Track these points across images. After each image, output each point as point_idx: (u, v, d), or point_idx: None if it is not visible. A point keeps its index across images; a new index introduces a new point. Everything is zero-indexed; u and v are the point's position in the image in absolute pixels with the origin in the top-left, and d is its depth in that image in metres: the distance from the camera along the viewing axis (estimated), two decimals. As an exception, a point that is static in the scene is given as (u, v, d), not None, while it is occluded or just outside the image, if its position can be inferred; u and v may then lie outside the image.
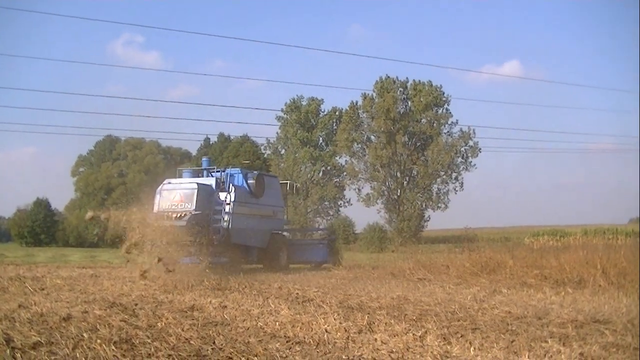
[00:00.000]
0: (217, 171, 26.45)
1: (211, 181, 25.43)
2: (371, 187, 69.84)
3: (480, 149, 68.77)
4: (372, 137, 69.77)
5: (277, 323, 10.83)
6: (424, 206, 68.86)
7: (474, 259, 22.35)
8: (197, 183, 24.68)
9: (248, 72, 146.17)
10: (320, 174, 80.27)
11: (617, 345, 8.77)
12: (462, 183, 68.46)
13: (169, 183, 25.69)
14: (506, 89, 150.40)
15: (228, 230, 23.97)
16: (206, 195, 24.16)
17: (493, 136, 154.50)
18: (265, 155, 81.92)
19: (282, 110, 79.68)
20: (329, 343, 9.08)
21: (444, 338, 9.20)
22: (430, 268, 22.52)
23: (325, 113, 79.92)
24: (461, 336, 9.41)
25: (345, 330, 9.88)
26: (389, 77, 69.17)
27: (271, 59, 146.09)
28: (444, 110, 69.35)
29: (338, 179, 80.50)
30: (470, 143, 68.45)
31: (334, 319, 10.80)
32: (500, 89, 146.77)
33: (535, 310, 12.45)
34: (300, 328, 10.22)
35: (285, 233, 29.37)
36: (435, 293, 16.18)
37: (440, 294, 16.03)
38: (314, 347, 8.93)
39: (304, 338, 9.49)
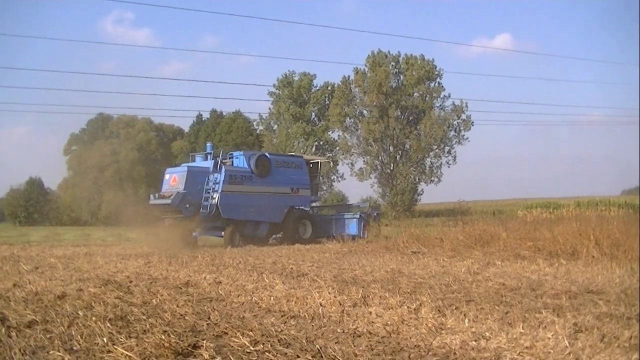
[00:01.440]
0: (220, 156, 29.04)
1: (209, 164, 28.49)
2: (364, 161, 69.80)
3: (472, 122, 68.78)
4: (365, 111, 69.66)
5: (272, 298, 10.85)
6: (417, 180, 68.80)
7: (468, 231, 22.44)
8: (188, 167, 29.16)
9: (240, 48, 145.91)
10: (313, 149, 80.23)
11: (610, 315, 8.80)
12: (455, 157, 68.46)
13: (173, 167, 30.87)
14: (498, 62, 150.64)
15: (217, 206, 27.23)
16: (198, 177, 27.63)
17: (485, 109, 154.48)
18: (258, 131, 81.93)
19: (274, 86, 79.53)
20: (323, 317, 9.11)
21: (439, 310, 9.22)
22: (424, 241, 22.62)
23: (317, 88, 79.78)
24: (455, 308, 9.44)
25: (340, 304, 9.90)
26: (381, 51, 69.08)
27: (263, 34, 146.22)
28: (436, 84, 69.22)
29: (331, 154, 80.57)
30: (463, 117, 68.41)
31: (329, 293, 10.82)
32: (492, 62, 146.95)
33: (529, 281, 12.51)
34: (295, 302, 10.25)
35: (304, 207, 31.43)
36: (429, 266, 16.24)
37: (434, 266, 16.10)
38: (309, 320, 8.95)
39: (299, 312, 9.52)
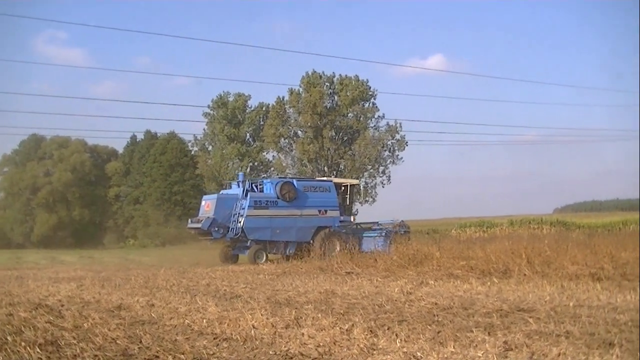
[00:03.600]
0: (250, 183, 32.83)
1: (239, 191, 32.08)
2: (299, 182, 69.62)
3: (407, 142, 69.07)
4: (299, 132, 69.63)
5: (205, 320, 10.83)
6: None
7: (402, 251, 22.60)
8: (218, 194, 34.06)
9: (174, 68, 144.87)
10: (248, 169, 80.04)
11: (540, 333, 8.95)
12: (389, 176, 68.61)
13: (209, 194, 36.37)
14: (431, 83, 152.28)
15: (242, 229, 30.42)
16: (228, 203, 31.39)
17: (419, 129, 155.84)
18: (193, 152, 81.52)
19: (208, 107, 79.17)
20: (256, 339, 9.11)
21: (371, 331, 9.28)
22: (358, 261, 22.73)
23: (252, 109, 79.69)
24: (388, 328, 9.51)
25: (273, 326, 9.91)
26: (315, 72, 69.13)
27: (197, 55, 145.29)
28: (371, 105, 69.45)
29: (266, 175, 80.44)
30: (397, 137, 68.68)
31: (262, 315, 10.82)
32: (426, 82, 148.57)
33: (461, 300, 12.64)
34: (228, 324, 10.23)
35: (332, 227, 33.01)
36: (363, 286, 16.31)
37: (367, 287, 16.18)
38: (241, 343, 8.95)
39: (232, 334, 9.51)
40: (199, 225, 31.09)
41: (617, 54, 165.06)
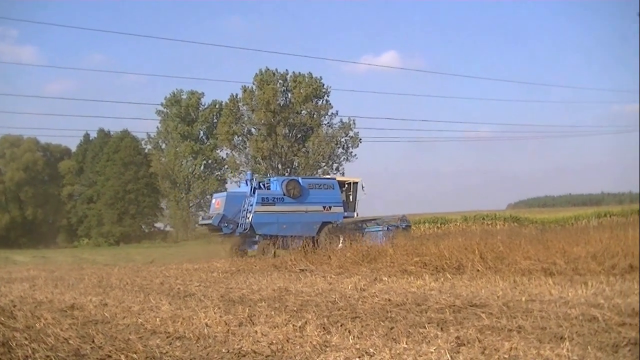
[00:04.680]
0: (257, 181, 34.71)
1: (248, 189, 33.44)
2: (253, 179, 69.57)
3: (360, 139, 69.49)
4: (253, 129, 69.65)
5: (158, 319, 10.77)
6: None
7: (355, 248, 22.63)
8: (228, 192, 37.13)
9: (127, 66, 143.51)
10: (202, 167, 79.90)
11: (492, 328, 8.99)
12: (343, 173, 68.57)
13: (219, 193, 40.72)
14: (385, 80, 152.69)
15: (251, 224, 31.72)
16: (237, 201, 32.67)
17: (373, 126, 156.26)
18: (146, 150, 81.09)
19: (162, 105, 78.97)
20: (209, 337, 9.08)
21: (324, 328, 9.28)
22: (311, 259, 22.71)
23: (205, 106, 79.65)
24: (341, 325, 9.52)
25: (226, 324, 9.89)
26: (268, 69, 69.16)
27: (149, 52, 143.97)
28: (324, 102, 69.75)
29: (219, 172, 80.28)
30: (351, 134, 69.11)
31: (215, 313, 10.80)
32: (379, 79, 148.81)
33: (414, 297, 12.67)
34: (181, 323, 10.19)
35: (336, 223, 34.22)
36: (317, 283, 16.31)
37: (321, 284, 16.17)
38: (195, 341, 8.91)
39: (185, 333, 9.47)
40: (210, 222, 32.64)
41: (573, 50, 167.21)
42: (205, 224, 34.74)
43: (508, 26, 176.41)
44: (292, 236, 31.81)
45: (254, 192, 32.62)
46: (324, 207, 34.17)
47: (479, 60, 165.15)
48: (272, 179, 35.67)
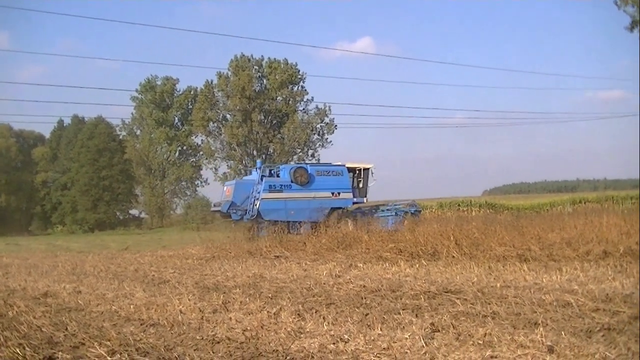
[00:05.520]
0: (268, 169, 35.35)
1: (257, 177, 34.06)
2: (228, 166, 69.57)
3: (336, 125, 69.50)
4: (228, 115, 69.41)
5: (132, 306, 10.74)
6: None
7: (331, 234, 22.65)
8: (237, 180, 38.87)
9: (100, 52, 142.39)
10: (177, 154, 79.70)
11: (467, 314, 9.02)
12: (318, 160, 68.56)
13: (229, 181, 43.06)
14: (360, 66, 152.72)
15: (259, 211, 32.28)
16: (246, 188, 33.38)
17: (349, 113, 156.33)
18: (121, 137, 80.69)
19: (136, 91, 78.64)
20: (183, 324, 9.05)
21: (299, 314, 9.28)
22: (287, 245, 22.72)
23: (180, 92, 79.40)
24: (315, 312, 9.51)
25: (200, 311, 9.87)
26: (244, 55, 68.94)
27: (123, 38, 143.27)
28: (299, 88, 69.66)
29: (194, 159, 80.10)
30: (326, 120, 69.09)
31: (189, 300, 10.79)
32: (354, 65, 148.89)
33: (389, 283, 12.68)
34: (155, 310, 10.16)
35: (345, 208, 35.18)
36: (292, 270, 16.29)
37: (296, 270, 16.16)
38: (169, 328, 8.88)
39: (159, 320, 9.43)
40: (220, 208, 33.75)
41: (548, 37, 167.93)
42: (215, 211, 36.20)
43: (483, 13, 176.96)
44: (300, 221, 32.96)
45: (261, 180, 33.24)
46: (333, 194, 34.68)
47: (454, 47, 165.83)
48: (281, 166, 36.24)
